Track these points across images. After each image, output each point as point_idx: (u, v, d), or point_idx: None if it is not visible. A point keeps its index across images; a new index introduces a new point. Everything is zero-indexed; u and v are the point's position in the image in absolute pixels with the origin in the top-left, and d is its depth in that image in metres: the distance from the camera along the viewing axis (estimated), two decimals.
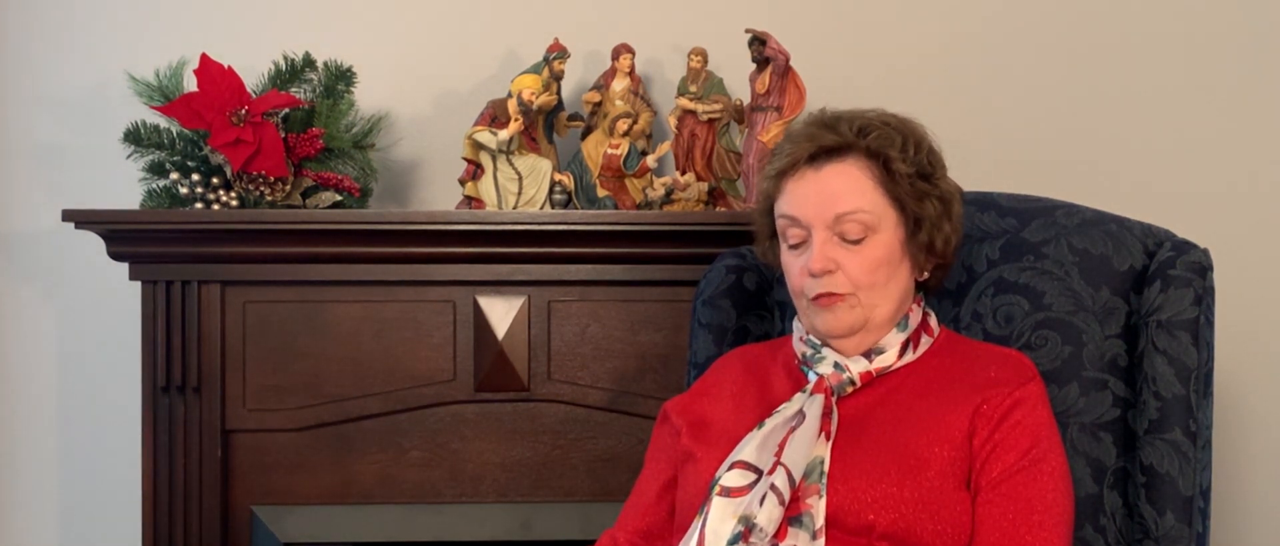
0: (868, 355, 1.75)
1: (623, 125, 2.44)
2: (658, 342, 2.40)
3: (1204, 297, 1.85)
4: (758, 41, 2.39)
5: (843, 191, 1.72)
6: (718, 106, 2.45)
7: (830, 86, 2.34)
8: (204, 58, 2.37)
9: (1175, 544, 1.81)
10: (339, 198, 2.42)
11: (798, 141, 1.76)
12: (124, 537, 2.59)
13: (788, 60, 2.38)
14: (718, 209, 2.46)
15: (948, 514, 1.64)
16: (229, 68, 2.36)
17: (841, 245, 1.72)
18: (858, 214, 1.71)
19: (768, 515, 1.62)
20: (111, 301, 2.59)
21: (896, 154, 1.73)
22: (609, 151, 2.45)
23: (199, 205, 2.37)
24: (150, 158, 2.42)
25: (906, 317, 1.77)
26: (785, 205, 1.75)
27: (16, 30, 2.65)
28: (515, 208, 2.40)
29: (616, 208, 2.43)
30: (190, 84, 2.39)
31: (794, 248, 1.75)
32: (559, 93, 2.46)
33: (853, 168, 1.73)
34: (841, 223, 1.71)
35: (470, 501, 2.41)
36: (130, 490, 2.51)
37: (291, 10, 2.64)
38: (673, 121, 2.47)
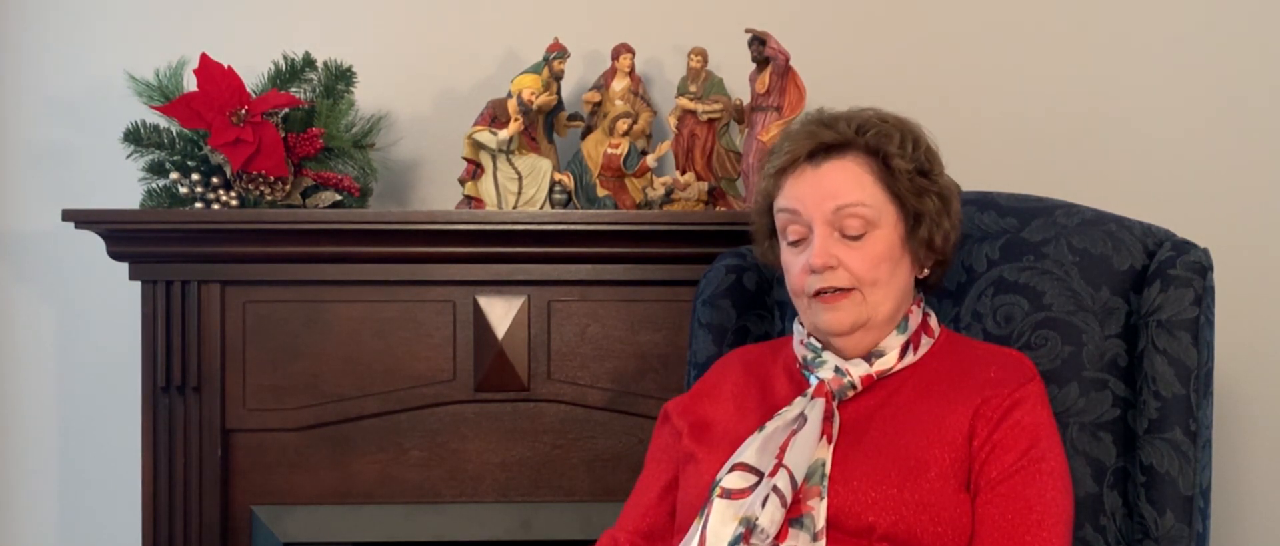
0: (868, 358, 1.75)
1: (623, 125, 2.44)
2: (658, 342, 2.40)
3: (1204, 297, 1.85)
4: (758, 41, 2.39)
5: (842, 186, 1.72)
6: (718, 106, 2.45)
7: (830, 86, 2.33)
8: (204, 58, 2.37)
9: (1175, 544, 1.81)
10: (339, 197, 2.42)
11: (796, 139, 1.76)
12: (124, 537, 2.59)
13: (788, 60, 2.38)
14: (718, 209, 2.46)
15: (948, 515, 1.64)
16: (229, 68, 2.36)
17: (842, 241, 1.72)
18: (858, 207, 1.71)
19: (770, 517, 1.62)
20: (111, 301, 2.59)
21: (895, 150, 1.74)
22: (609, 151, 2.45)
23: (199, 205, 2.37)
24: (150, 158, 2.42)
25: (906, 319, 1.77)
26: (785, 201, 1.76)
27: (16, 30, 2.65)
28: (515, 207, 2.40)
29: (616, 208, 2.43)
30: (190, 84, 2.39)
31: (794, 245, 1.75)
32: (559, 93, 2.46)
33: (852, 164, 1.74)
34: (841, 217, 1.71)
35: (470, 501, 2.41)
36: (130, 490, 2.52)
37: (291, 10, 2.64)
38: (673, 121, 2.47)
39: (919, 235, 1.76)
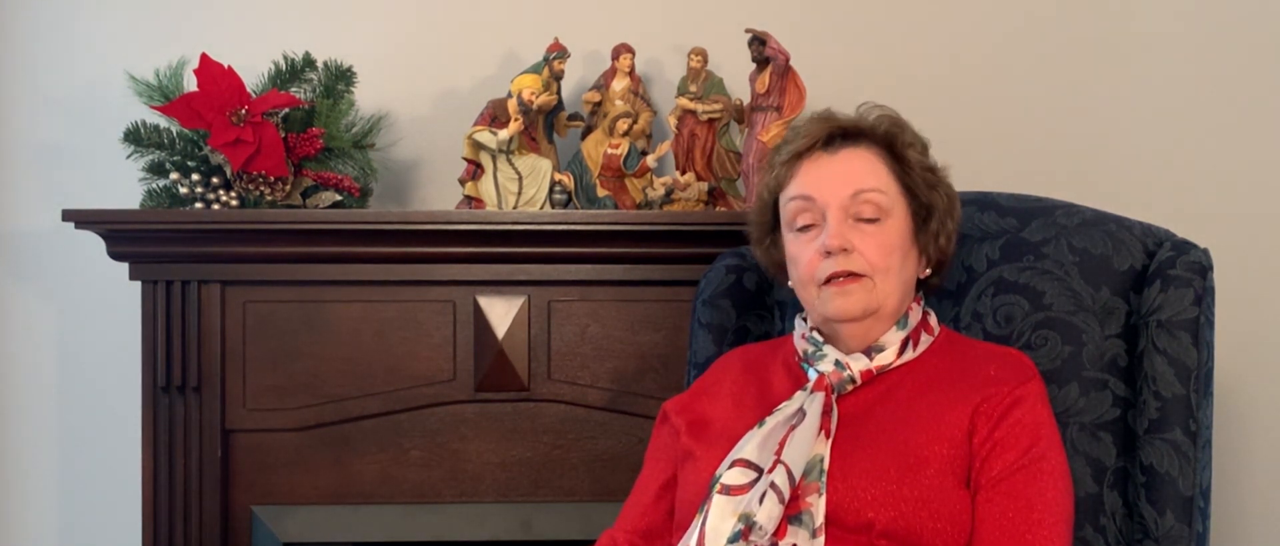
0: (868, 353, 1.75)
1: (623, 125, 2.44)
2: (658, 342, 2.40)
3: (1204, 297, 1.85)
4: (758, 41, 2.39)
5: (859, 171, 1.74)
6: (718, 106, 2.45)
7: (830, 86, 2.34)
8: (204, 58, 2.37)
9: (1175, 544, 1.81)
10: (339, 197, 2.42)
11: (812, 125, 1.78)
12: (124, 537, 2.59)
13: (788, 60, 2.38)
14: (718, 209, 2.46)
15: (947, 512, 1.64)
16: (229, 68, 2.36)
17: (856, 226, 1.73)
18: (874, 193, 1.73)
19: (767, 513, 1.62)
20: (111, 301, 2.59)
21: (908, 141, 1.77)
22: (609, 151, 2.45)
23: (199, 205, 2.37)
24: (150, 158, 2.42)
25: (906, 316, 1.77)
26: (799, 187, 1.76)
27: (16, 30, 2.65)
28: (515, 207, 2.40)
29: (616, 208, 2.43)
30: (190, 84, 2.39)
31: (804, 231, 1.75)
32: (559, 93, 2.46)
33: (867, 152, 1.77)
34: (858, 202, 1.72)
35: (470, 501, 2.41)
36: (130, 490, 2.52)
37: (291, 10, 2.64)
38: (673, 121, 2.47)
39: (929, 229, 1.78)
